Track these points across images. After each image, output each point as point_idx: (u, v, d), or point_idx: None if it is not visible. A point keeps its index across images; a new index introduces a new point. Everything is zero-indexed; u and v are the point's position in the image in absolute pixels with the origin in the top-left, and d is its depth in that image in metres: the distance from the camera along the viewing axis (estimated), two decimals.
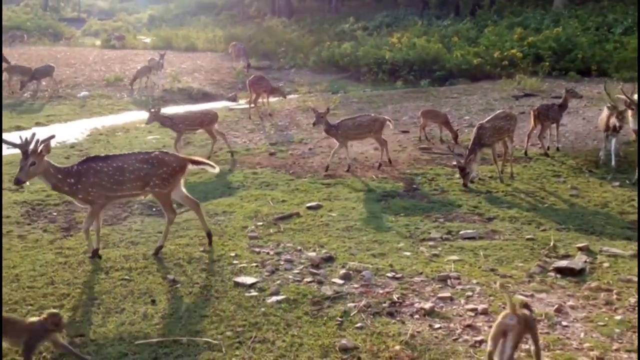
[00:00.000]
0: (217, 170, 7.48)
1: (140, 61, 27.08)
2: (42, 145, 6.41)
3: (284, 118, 16.72)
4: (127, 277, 6.47)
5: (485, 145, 10.10)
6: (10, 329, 4.60)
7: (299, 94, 21.24)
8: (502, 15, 30.61)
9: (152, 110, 12.15)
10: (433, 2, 37.75)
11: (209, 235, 7.38)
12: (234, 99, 20.97)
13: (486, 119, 10.51)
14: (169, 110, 17.84)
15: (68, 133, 15.00)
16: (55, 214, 8.81)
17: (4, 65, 23.01)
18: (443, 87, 21.77)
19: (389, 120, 11.46)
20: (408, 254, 7.08)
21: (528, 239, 7.51)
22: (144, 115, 17.43)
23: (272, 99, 18.69)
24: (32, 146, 6.40)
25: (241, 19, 50.79)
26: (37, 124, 16.01)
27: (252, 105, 17.12)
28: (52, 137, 6.72)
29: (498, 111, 11.28)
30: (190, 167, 7.21)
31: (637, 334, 5.12)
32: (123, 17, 64.00)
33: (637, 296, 5.84)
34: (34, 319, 4.73)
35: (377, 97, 19.67)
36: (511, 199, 9.39)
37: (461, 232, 7.78)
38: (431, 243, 7.46)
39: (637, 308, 5.63)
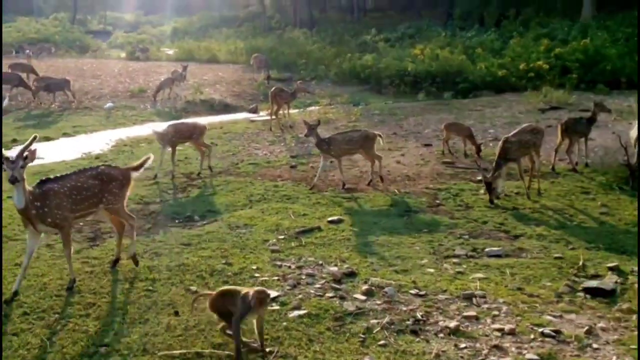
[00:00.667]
0: (152, 158, 7.39)
1: (164, 73, 27.34)
2: (27, 152, 6.29)
3: (304, 130, 16.69)
4: (150, 287, 6.55)
5: (511, 160, 9.97)
6: (231, 298, 5.15)
7: (319, 106, 21.24)
8: (528, 26, 30.33)
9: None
10: (457, 13, 37.62)
11: (116, 261, 7.21)
12: (254, 111, 21.06)
13: (512, 133, 10.35)
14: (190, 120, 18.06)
15: (93, 144, 15.23)
16: (82, 223, 8.87)
17: (33, 77, 23.50)
18: (467, 100, 21.61)
19: (379, 136, 11.26)
20: (432, 270, 7.02)
21: (556, 258, 7.39)
22: (166, 125, 17.73)
23: (292, 111, 18.75)
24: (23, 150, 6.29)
25: (263, 31, 51.13)
26: (64, 135, 16.32)
27: (273, 117, 17.19)
28: (35, 138, 6.63)
29: (524, 125, 11.08)
30: (135, 175, 7.16)
31: None
32: (147, 29, 64.81)
33: None
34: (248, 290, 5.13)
35: (399, 109, 19.62)
36: (539, 216, 9.25)
37: (487, 250, 7.69)
38: (455, 260, 7.39)
39: None
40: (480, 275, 6.87)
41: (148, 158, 7.26)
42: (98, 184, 6.70)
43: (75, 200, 6.54)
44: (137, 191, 10.62)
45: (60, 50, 45.28)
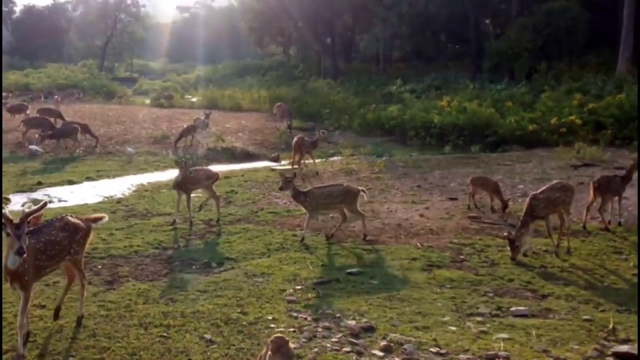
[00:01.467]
0: (106, 219, 7.31)
1: (187, 120, 27.83)
2: (31, 218, 5.88)
3: (326, 180, 16.79)
4: (165, 334, 6.58)
5: (538, 217, 9.87)
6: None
7: (342, 156, 21.40)
8: (560, 80, 30.02)
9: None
10: (486, 65, 37.76)
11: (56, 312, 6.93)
12: (276, 160, 21.27)
13: (540, 190, 10.24)
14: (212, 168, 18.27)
15: (115, 188, 15.54)
16: (100, 267, 9.09)
17: (60, 121, 24.19)
18: (495, 154, 21.45)
19: (363, 191, 11.03)
20: (454, 328, 6.90)
21: (585, 320, 7.21)
22: None
23: (316, 160, 18.90)
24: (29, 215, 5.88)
25: (287, 80, 52.02)
26: (88, 179, 16.69)
27: (295, 166, 17.33)
28: (45, 204, 6.26)
29: (554, 181, 10.91)
30: (94, 226, 7.07)
31: None
32: (172, 77, 66.35)
33: None
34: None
35: (424, 162, 19.65)
36: (567, 276, 9.03)
37: (512, 309, 7.53)
38: (479, 318, 7.26)
39: None
40: (504, 335, 6.73)
41: (104, 217, 7.26)
42: (67, 236, 6.48)
43: (50, 256, 6.25)
44: (155, 236, 10.80)
45: (87, 96, 46.62)
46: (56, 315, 6.87)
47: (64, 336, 6.51)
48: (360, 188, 11.12)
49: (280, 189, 11.13)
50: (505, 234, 10.20)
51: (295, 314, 7.22)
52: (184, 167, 11.91)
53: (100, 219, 7.19)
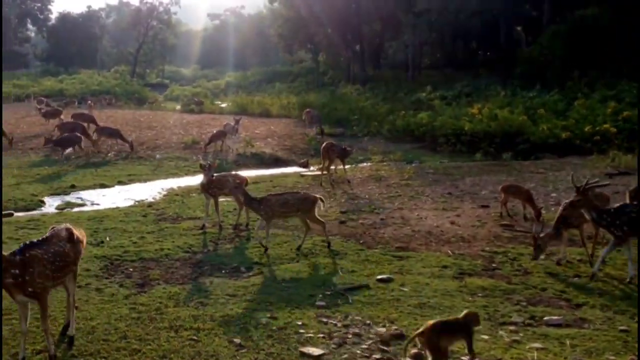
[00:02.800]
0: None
1: (217, 125, 28.08)
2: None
3: (355, 186, 16.78)
4: (195, 337, 6.63)
5: (571, 226, 9.71)
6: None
7: (371, 163, 21.34)
8: (594, 87, 29.48)
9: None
10: (517, 72, 37.38)
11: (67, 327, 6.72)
12: (305, 165, 21.31)
13: (572, 198, 10.08)
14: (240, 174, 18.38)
15: (146, 192, 15.75)
16: (131, 269, 9.23)
17: (93, 126, 24.63)
18: (527, 162, 21.17)
19: (321, 199, 10.65)
20: (486, 337, 6.80)
21: (621, 331, 7.03)
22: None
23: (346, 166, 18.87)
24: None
25: (315, 86, 52.22)
26: (119, 183, 16.94)
27: (324, 172, 17.32)
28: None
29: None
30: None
31: None
32: (203, 83, 67.11)
33: None
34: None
35: (455, 169, 19.49)
36: (602, 285, 8.80)
37: (545, 318, 7.39)
38: (512, 328, 7.13)
39: None
40: (537, 345, 6.60)
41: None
42: (73, 247, 6.44)
43: (58, 267, 6.18)
44: (185, 240, 10.89)
45: (119, 101, 47.48)
46: (64, 332, 6.67)
47: (95, 337, 6.61)
48: (318, 196, 10.75)
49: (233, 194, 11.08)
50: (533, 230, 9.98)
51: (324, 320, 7.19)
52: (208, 170, 11.99)
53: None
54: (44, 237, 6.35)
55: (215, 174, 12.19)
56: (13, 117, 34.63)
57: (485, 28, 45.73)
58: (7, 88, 53.85)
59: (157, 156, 21.83)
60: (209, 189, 11.93)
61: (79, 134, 22.07)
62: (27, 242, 6.13)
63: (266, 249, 10.29)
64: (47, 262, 6.01)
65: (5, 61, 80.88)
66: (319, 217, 10.59)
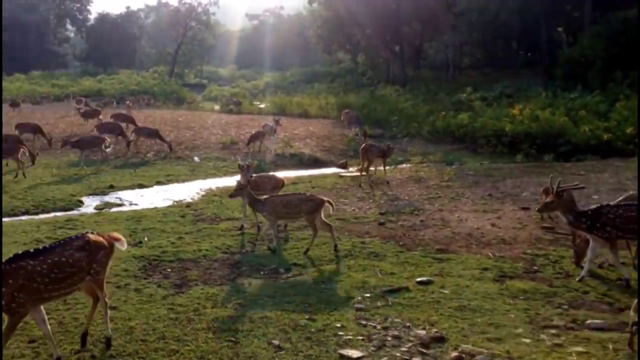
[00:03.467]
0: (124, 247, 6.79)
1: (255, 126, 28.29)
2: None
3: (395, 188, 16.72)
4: (233, 338, 6.67)
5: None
6: None
7: (411, 164, 21.24)
8: (636, 88, 29.18)
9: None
10: (559, 73, 36.85)
11: (85, 335, 6.54)
12: (344, 166, 21.31)
13: (617, 200, 9.90)
14: (279, 174, 18.49)
15: (184, 193, 15.92)
16: (169, 270, 9.35)
17: (132, 127, 25.09)
18: (569, 163, 20.84)
19: (329, 202, 10.49)
20: (527, 341, 6.71)
21: None
22: None
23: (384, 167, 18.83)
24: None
25: (354, 87, 52.16)
26: (158, 183, 17.16)
27: (364, 173, 17.30)
28: None
29: (630, 192, 10.58)
30: (117, 246, 6.63)
31: None
32: (241, 83, 67.64)
33: None
34: None
35: (495, 170, 19.25)
36: None
37: (588, 322, 7.28)
38: (553, 331, 7.03)
39: None
40: (579, 348, 6.50)
41: (122, 241, 6.70)
42: (85, 256, 6.15)
43: (55, 279, 5.84)
44: (223, 240, 10.99)
45: (158, 101, 48.22)
46: (83, 341, 6.48)
47: (133, 338, 6.69)
48: (325, 199, 10.62)
49: (231, 196, 11.00)
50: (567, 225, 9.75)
51: (364, 322, 7.18)
52: (247, 171, 12.07)
53: (118, 240, 6.67)
54: (52, 244, 6.20)
55: (253, 175, 12.29)
56: (52, 116, 35.41)
57: (526, 28, 45.21)
58: (46, 88, 55.51)
59: (196, 158, 22.07)
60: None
61: (100, 136, 22.06)
62: (22, 252, 5.89)
63: (273, 251, 10.28)
64: (39, 275, 5.69)
65: (45, 61, 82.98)
66: (326, 220, 10.50)
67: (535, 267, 9.53)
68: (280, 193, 11.74)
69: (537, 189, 14.91)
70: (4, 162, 17.86)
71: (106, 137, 21.77)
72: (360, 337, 6.72)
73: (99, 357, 6.26)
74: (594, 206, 9.19)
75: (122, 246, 6.69)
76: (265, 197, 10.82)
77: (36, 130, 24.38)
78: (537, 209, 10.19)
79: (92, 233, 6.47)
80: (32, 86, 57.25)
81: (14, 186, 16.43)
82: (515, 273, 9.25)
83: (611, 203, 9.14)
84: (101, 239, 6.42)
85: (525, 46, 52.63)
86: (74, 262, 6.01)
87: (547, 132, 23.72)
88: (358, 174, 17.97)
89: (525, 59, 52.66)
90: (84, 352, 6.33)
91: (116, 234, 6.76)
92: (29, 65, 75.82)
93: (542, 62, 44.00)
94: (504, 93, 35.71)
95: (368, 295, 8.13)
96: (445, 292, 8.28)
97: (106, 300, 6.46)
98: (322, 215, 10.41)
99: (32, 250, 5.95)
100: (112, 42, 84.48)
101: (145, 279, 8.90)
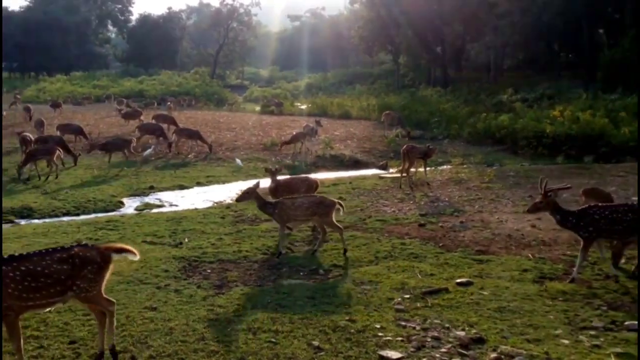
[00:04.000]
0: (137, 257, 6.49)
1: (296, 127, 28.45)
2: None
3: (435, 189, 16.67)
4: (273, 339, 6.72)
5: None
6: None
7: (451, 165, 21.13)
8: None
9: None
10: (599, 75, 36.28)
11: (100, 356, 6.18)
12: (384, 168, 21.31)
13: None
14: (319, 176, 18.61)
15: (225, 194, 16.11)
16: (209, 271, 9.45)
17: (172, 127, 25.53)
18: (609, 165, 20.52)
19: (340, 204, 10.39)
20: (566, 342, 6.66)
21: None
22: None
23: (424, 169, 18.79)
24: None
25: (395, 88, 52.00)
26: (198, 184, 17.37)
27: (404, 174, 17.29)
28: None
29: None
30: (116, 257, 6.19)
31: None
32: (282, 84, 68.02)
33: None
34: None
35: (535, 172, 18.98)
36: None
37: (627, 323, 7.17)
38: (592, 332, 6.96)
39: None
40: (618, 350, 6.43)
41: (133, 254, 6.36)
42: (67, 269, 5.73)
43: (28, 288, 5.55)
44: (263, 241, 11.11)
45: (199, 102, 48.75)
46: None
47: (173, 338, 6.72)
48: (336, 201, 10.52)
49: (237, 200, 10.98)
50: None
51: (403, 323, 7.20)
52: (274, 174, 12.15)
53: (126, 251, 6.31)
54: (36, 251, 5.92)
55: (288, 176, 12.33)
56: (93, 117, 36.00)
57: (568, 30, 44.46)
58: (87, 89, 56.27)
59: (237, 161, 22.25)
60: (277, 192, 12.01)
61: (125, 139, 21.85)
62: (8, 255, 5.71)
63: (279, 254, 10.22)
64: (12, 281, 5.47)
65: (86, 62, 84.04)
66: (336, 222, 10.40)
67: (574, 269, 9.42)
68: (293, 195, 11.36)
69: (577, 191, 14.66)
70: (39, 163, 18.22)
71: (133, 139, 21.78)
72: (400, 338, 6.74)
73: (136, 356, 6.32)
74: (581, 207, 9.30)
75: (134, 257, 6.39)
76: (276, 200, 10.76)
77: (78, 131, 24.93)
78: (526, 210, 10.11)
79: (84, 246, 6.09)
80: (73, 87, 58.47)
81: (55, 187, 16.82)
82: (554, 274, 9.17)
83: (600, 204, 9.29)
84: (92, 253, 5.93)
85: (567, 48, 51.79)
86: (50, 274, 5.63)
87: (587, 134, 23.46)
88: (398, 175, 17.96)
89: (567, 60, 51.86)
90: (124, 353, 6.37)
91: (122, 245, 6.43)
92: (70, 66, 77.14)
93: (583, 64, 43.31)
94: (545, 94, 35.42)
95: (407, 296, 8.13)
96: (485, 293, 8.25)
97: (111, 309, 6.09)
98: (334, 218, 10.31)
99: (16, 255, 5.72)
100: (153, 43, 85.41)
101: (185, 279, 8.97)
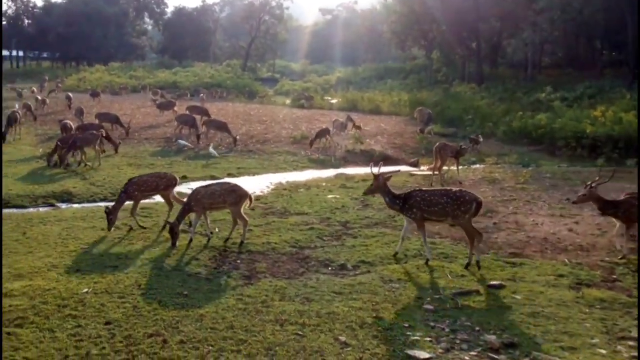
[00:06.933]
0: None
1: (326, 121, 28.48)
2: None
3: (467, 188, 16.37)
4: (300, 332, 6.77)
5: None
6: None
7: (484, 164, 20.88)
8: None
9: None
10: None
11: None
12: (415, 165, 21.16)
13: None
14: (349, 171, 18.56)
15: (254, 185, 16.14)
16: (238, 261, 9.57)
17: (204, 118, 25.86)
18: None
19: (250, 198, 10.76)
20: (603, 351, 6.52)
21: None
22: (325, 173, 18.36)
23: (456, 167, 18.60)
24: None
25: (428, 84, 51.58)
26: (229, 175, 17.49)
27: (436, 172, 17.14)
28: None
29: None
30: None
31: None
32: (313, 78, 68.12)
33: None
34: None
35: (574, 174, 18.70)
36: None
37: None
38: (631, 343, 6.80)
39: None
40: None
41: None
42: None
43: None
44: (292, 234, 11.12)
45: (230, 95, 49.24)
46: None
47: (203, 325, 6.92)
48: (247, 191, 10.87)
49: (365, 194, 10.85)
50: None
51: (432, 324, 7.14)
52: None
53: None
54: None
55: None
56: (129, 107, 37.23)
57: (611, 26, 43.43)
58: (124, 79, 58.59)
59: (212, 151, 22.01)
60: None
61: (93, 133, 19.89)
62: None
63: (190, 241, 10.45)
64: None
65: (124, 53, 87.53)
66: (243, 214, 10.60)
67: (613, 276, 9.22)
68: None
69: (618, 195, 14.34)
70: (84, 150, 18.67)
71: (101, 132, 20.39)
72: (428, 339, 6.68)
73: (168, 340, 6.49)
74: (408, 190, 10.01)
75: None
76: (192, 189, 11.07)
77: (115, 120, 25.58)
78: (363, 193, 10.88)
79: None
80: (111, 77, 60.94)
81: (93, 173, 17.21)
82: (592, 281, 8.96)
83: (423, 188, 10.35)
84: None
85: (610, 45, 50.66)
86: None
87: (630, 136, 22.89)
88: (430, 172, 17.83)
89: (609, 58, 50.78)
90: (156, 336, 6.58)
91: None
92: (109, 57, 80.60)
93: (627, 63, 42.35)
94: (585, 94, 34.66)
95: (437, 296, 8.06)
96: (518, 297, 8.12)
97: None
98: (241, 209, 10.55)
99: None
100: (187, 35, 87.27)
101: (215, 268, 9.17)
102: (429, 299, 7.96)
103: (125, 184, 11.73)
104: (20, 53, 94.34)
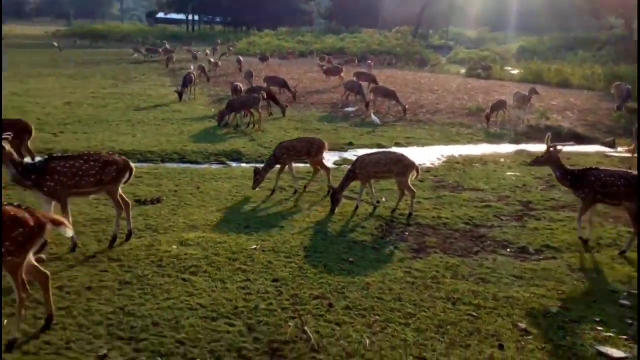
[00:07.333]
0: (70, 234, 6.17)
1: (505, 93, 27.51)
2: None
3: None
4: (474, 313, 6.65)
5: None
6: None
7: None
8: None
9: None
10: None
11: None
12: (611, 145, 19.77)
13: None
14: (531, 148, 17.81)
15: (424, 157, 15.94)
16: (407, 234, 9.56)
17: (371, 85, 25.99)
18: None
19: (417, 169, 10.97)
20: None
21: None
22: (504, 149, 17.76)
23: None
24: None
25: (627, 57, 47.98)
26: (397, 144, 17.44)
27: (636, 154, 15.93)
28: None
29: None
30: (49, 228, 5.84)
31: None
32: (491, 47, 66.18)
33: None
34: None
35: None
36: None
37: None
38: None
39: None
40: None
41: (67, 228, 6.04)
42: None
43: None
44: (465, 211, 10.88)
45: (400, 62, 49.17)
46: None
47: (370, 294, 7.05)
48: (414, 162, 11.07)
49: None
50: None
51: (629, 321, 6.70)
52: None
53: (62, 224, 6.00)
54: None
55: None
56: (297, 72, 38.81)
57: None
58: (292, 44, 61.61)
59: (374, 118, 21.89)
60: None
61: (255, 95, 20.39)
62: None
63: (356, 208, 10.71)
64: None
65: (292, 19, 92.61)
66: (411, 185, 10.80)
67: None
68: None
69: None
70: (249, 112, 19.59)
71: (262, 95, 20.84)
72: (624, 337, 6.28)
73: (337, 306, 6.66)
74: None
75: (67, 233, 6.11)
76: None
77: (283, 84, 26.55)
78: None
79: (16, 207, 5.74)
80: (279, 42, 64.85)
81: (261, 135, 18.02)
82: None
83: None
84: (25, 216, 5.65)
85: None
86: None
87: None
88: (629, 155, 16.61)
89: None
90: (322, 299, 6.78)
91: (59, 218, 6.17)
92: (278, 22, 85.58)
93: None
94: None
95: (635, 291, 7.49)
96: None
97: (22, 295, 5.68)
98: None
99: None
100: (356, 1, 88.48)
101: (382, 238, 9.24)
102: (626, 293, 7.45)
103: (275, 148, 12.14)
104: (196, 17, 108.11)
